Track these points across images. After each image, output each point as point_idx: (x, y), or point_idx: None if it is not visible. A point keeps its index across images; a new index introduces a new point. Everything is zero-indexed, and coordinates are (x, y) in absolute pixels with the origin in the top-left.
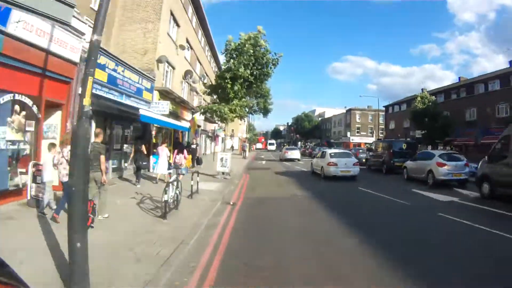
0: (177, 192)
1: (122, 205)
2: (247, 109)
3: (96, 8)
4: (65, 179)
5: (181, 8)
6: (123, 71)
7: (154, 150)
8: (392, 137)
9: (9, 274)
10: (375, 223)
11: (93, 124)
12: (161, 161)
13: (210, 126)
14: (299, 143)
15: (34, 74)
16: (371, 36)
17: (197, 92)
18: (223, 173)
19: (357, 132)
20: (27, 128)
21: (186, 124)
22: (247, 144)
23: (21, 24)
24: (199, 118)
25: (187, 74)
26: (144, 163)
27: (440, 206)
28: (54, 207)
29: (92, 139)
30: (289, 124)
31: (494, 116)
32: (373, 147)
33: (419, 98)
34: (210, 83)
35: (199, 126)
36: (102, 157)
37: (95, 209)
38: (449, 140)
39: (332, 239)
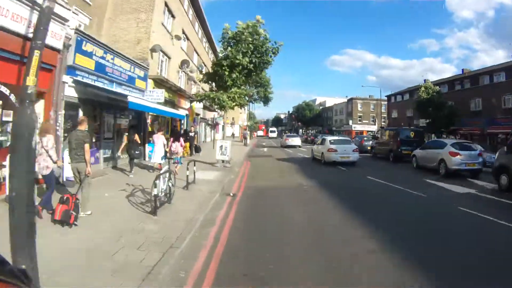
0: (170, 184)
1: (110, 199)
2: (247, 98)
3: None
4: (46, 171)
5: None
6: (112, 59)
7: (150, 139)
8: (395, 125)
9: (10, 273)
10: (394, 220)
11: (80, 112)
12: (157, 149)
13: (210, 115)
14: (300, 130)
15: (11, 61)
16: (371, 31)
17: (194, 82)
18: (222, 161)
19: (359, 121)
20: (4, 118)
21: (183, 112)
22: (248, 132)
23: None
24: (197, 106)
25: (184, 63)
26: (136, 152)
27: (458, 199)
28: (36, 203)
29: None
30: (290, 112)
31: (500, 107)
32: (379, 135)
33: (423, 88)
34: (207, 71)
35: (197, 114)
36: (87, 146)
37: (77, 205)
38: (454, 129)
39: (349, 241)
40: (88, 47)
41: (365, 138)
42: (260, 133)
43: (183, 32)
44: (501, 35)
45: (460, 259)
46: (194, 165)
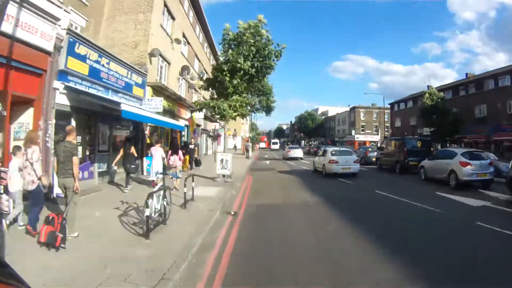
0: (164, 203)
1: (101, 218)
2: (249, 107)
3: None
4: (31, 187)
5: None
6: (108, 63)
7: (148, 152)
8: (398, 135)
9: (9, 274)
10: (414, 241)
11: (73, 122)
12: (155, 163)
13: (211, 126)
14: (303, 142)
15: None
16: (371, 35)
17: (196, 90)
18: (223, 175)
19: (362, 130)
20: None
21: (182, 123)
22: (250, 144)
23: None
24: (198, 117)
25: (184, 70)
26: (132, 166)
27: (475, 213)
28: (21, 224)
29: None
30: (292, 123)
31: (506, 113)
32: (384, 145)
33: (427, 95)
34: (207, 77)
35: (198, 125)
36: (75, 159)
37: (64, 226)
38: (459, 137)
39: (366, 270)
40: (81, 49)
41: (370, 149)
42: (262, 145)
43: (184, 36)
44: (502, 37)
45: None
46: (193, 181)
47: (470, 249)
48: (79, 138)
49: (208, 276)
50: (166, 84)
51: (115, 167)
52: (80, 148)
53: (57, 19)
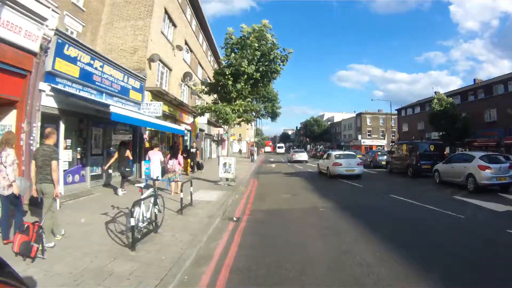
0: (156, 210)
1: (85, 225)
2: (254, 114)
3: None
4: (7, 192)
5: (178, 7)
6: (101, 67)
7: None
8: (405, 139)
9: (10, 274)
10: (441, 252)
11: (61, 125)
12: (153, 167)
13: (215, 131)
14: (308, 146)
15: None
16: (376, 44)
17: (199, 96)
18: (226, 179)
19: (368, 135)
20: None
21: (182, 127)
22: (255, 148)
23: None
24: (201, 121)
25: (186, 76)
26: (127, 170)
27: (501, 219)
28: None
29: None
30: (298, 128)
31: None
32: (395, 149)
33: (435, 100)
34: (209, 81)
35: (202, 130)
36: (54, 164)
37: (41, 235)
38: (468, 141)
39: None
40: (71, 51)
41: (379, 153)
42: (268, 149)
43: (186, 43)
44: (506, 44)
45: None
46: (191, 185)
47: (506, 258)
48: (69, 142)
49: None
50: (167, 90)
51: (110, 170)
52: (70, 152)
53: (44, 19)
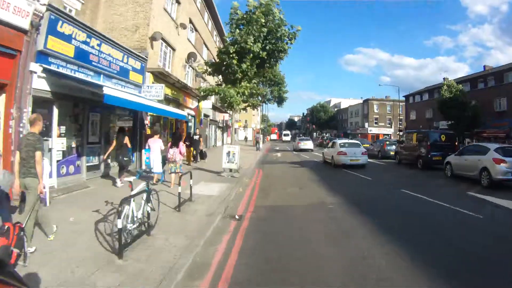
0: (148, 209)
1: (73, 225)
2: (260, 98)
3: None
4: None
5: None
6: (99, 45)
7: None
8: (413, 127)
9: (10, 274)
10: (468, 261)
11: (55, 110)
12: (154, 156)
13: (220, 116)
14: (315, 134)
15: None
16: (383, 28)
17: (203, 79)
18: (230, 170)
19: (375, 123)
20: None
21: (184, 112)
22: (261, 136)
23: None
24: (205, 106)
25: (191, 57)
26: (125, 159)
27: None
28: None
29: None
30: (304, 115)
31: None
32: (404, 139)
33: (445, 87)
34: (213, 62)
35: (207, 116)
36: (38, 155)
37: (22, 239)
38: (477, 131)
39: None
40: (65, 28)
41: (387, 142)
42: (274, 136)
43: (191, 22)
44: None
45: None
46: (191, 178)
47: None
48: (63, 129)
49: None
50: (170, 71)
51: (108, 160)
52: (64, 140)
53: None
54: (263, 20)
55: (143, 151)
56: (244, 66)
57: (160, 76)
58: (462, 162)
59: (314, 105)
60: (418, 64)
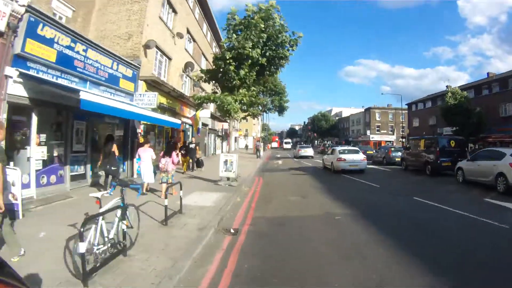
0: (123, 227)
1: (42, 242)
2: (260, 107)
3: None
4: None
5: None
6: (85, 51)
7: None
8: (416, 134)
9: (9, 274)
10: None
11: (34, 118)
12: (144, 166)
13: (220, 125)
14: (316, 142)
15: None
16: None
17: (202, 88)
18: (227, 178)
19: (377, 131)
20: None
21: (178, 121)
22: (261, 144)
23: None
24: (203, 115)
25: (188, 66)
26: (113, 168)
27: None
28: None
29: None
30: (305, 123)
31: None
32: (411, 145)
33: (449, 94)
34: (208, 68)
35: (205, 125)
36: None
37: None
38: (483, 137)
39: None
40: (46, 31)
41: (393, 149)
42: (274, 144)
43: (188, 32)
44: None
45: None
46: (181, 189)
47: None
48: (43, 137)
49: None
50: (166, 80)
51: (95, 169)
52: (44, 149)
53: None
54: (262, 25)
55: (134, 160)
56: (242, 72)
57: (154, 85)
58: (475, 168)
59: (315, 114)
60: (418, 74)
